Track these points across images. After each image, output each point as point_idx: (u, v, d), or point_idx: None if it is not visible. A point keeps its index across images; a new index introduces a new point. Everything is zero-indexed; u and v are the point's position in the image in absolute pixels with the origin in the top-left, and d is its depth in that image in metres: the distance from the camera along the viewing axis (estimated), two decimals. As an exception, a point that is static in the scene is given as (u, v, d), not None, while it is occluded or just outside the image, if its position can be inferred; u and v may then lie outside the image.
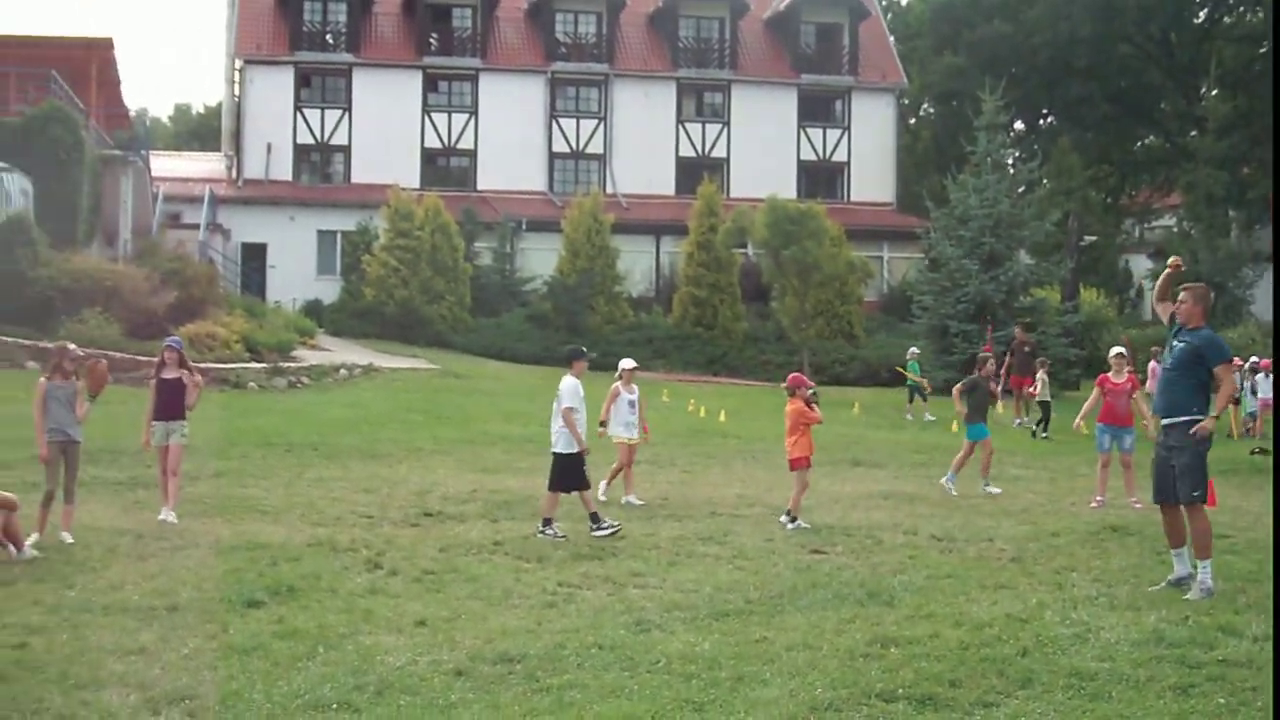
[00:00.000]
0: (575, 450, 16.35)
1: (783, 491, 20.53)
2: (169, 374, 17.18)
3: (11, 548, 13.66)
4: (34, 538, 13.99)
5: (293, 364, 40.33)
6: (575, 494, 16.31)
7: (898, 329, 54.71)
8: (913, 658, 10.24)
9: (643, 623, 11.32)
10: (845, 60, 69.44)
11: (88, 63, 48.94)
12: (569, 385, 16.63)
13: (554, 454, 16.48)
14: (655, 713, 8.84)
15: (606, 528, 15.94)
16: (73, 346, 15.51)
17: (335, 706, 8.84)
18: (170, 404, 16.89)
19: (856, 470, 24.69)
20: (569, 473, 16.28)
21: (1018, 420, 35.67)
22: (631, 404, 19.64)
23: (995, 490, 21.29)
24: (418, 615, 11.43)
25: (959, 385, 23.11)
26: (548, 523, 15.91)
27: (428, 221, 53.09)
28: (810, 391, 18.03)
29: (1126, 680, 9.77)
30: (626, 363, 20.56)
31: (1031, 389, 35.19)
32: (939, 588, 13.10)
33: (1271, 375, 33.90)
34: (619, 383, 20.18)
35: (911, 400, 39.03)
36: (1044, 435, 32.38)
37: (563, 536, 15.65)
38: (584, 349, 18.37)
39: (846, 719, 8.83)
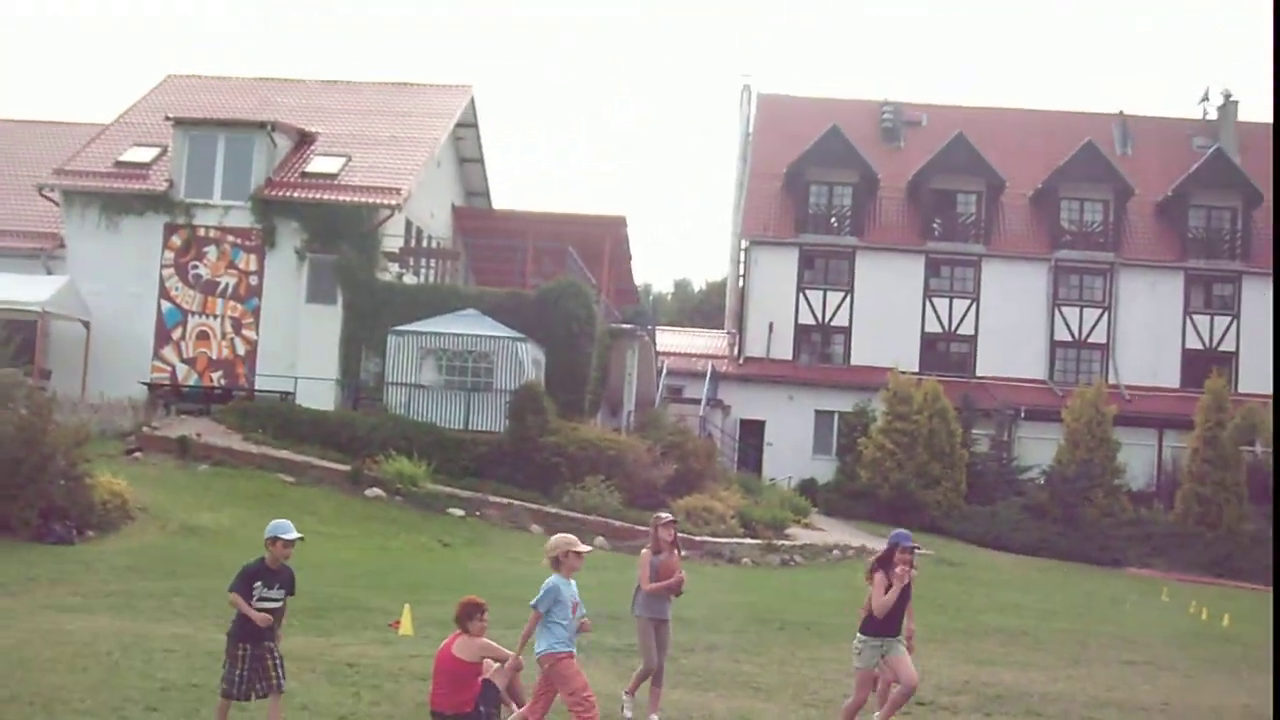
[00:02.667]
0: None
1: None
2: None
3: (514, 706, 13.98)
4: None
5: (786, 541, 40.56)
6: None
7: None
8: None
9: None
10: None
11: (601, 240, 50.75)
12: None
13: None
14: None
15: None
16: (667, 516, 15.57)
17: None
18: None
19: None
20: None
21: None
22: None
23: None
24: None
25: None
26: None
27: (926, 405, 53.03)
28: None
29: None
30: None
31: None
32: None
33: None
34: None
35: None
36: None
37: None
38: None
39: None
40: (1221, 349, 65.33)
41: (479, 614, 14.01)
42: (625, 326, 50.31)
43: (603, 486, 38.45)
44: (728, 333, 70.26)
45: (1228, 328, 65.69)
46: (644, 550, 14.57)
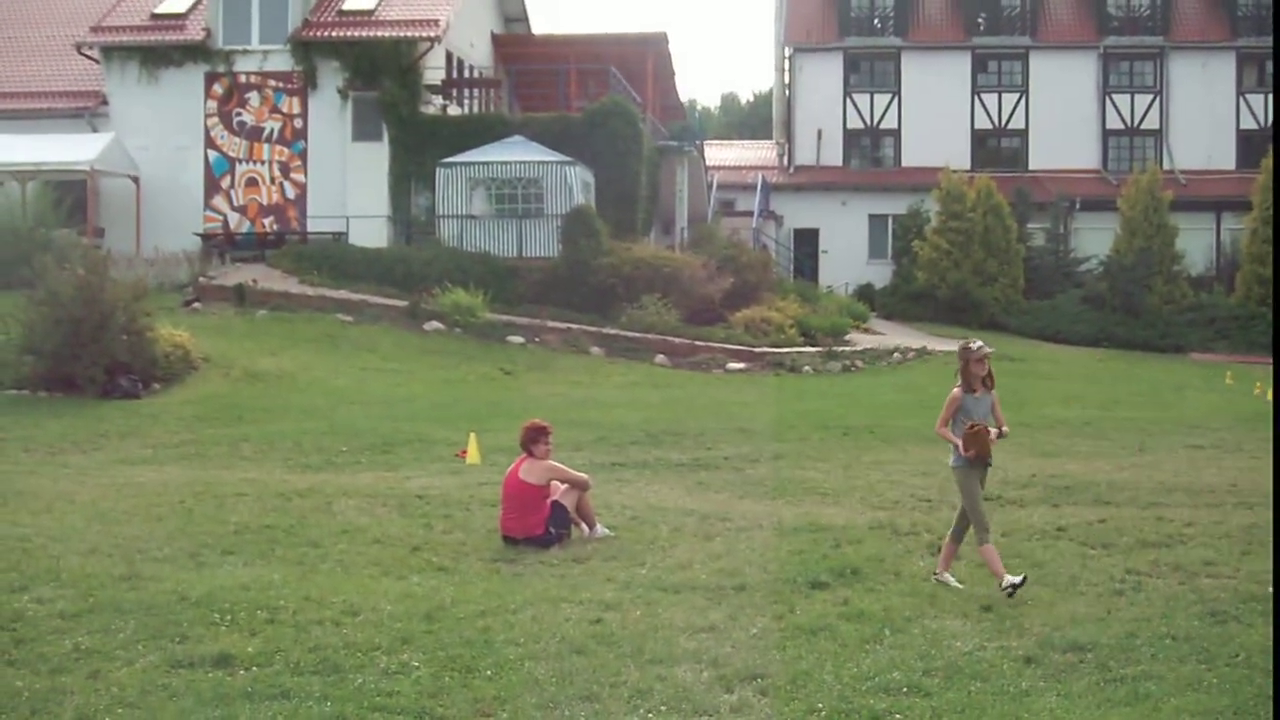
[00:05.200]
0: None
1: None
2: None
3: (585, 526, 14.14)
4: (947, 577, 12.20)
5: (846, 348, 40.64)
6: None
7: None
8: None
9: (1218, 614, 10.89)
10: None
11: (643, 58, 50.30)
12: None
13: None
14: (1236, 707, 8.51)
15: None
16: (979, 344, 12.21)
17: (905, 690, 8.81)
18: None
19: None
20: None
21: None
22: None
23: None
24: (983, 600, 11.30)
25: None
26: None
27: (979, 203, 52.75)
28: None
29: None
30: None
31: None
32: None
33: None
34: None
35: None
36: None
37: None
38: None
39: None
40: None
41: (544, 437, 14.14)
42: (673, 143, 50.00)
43: (659, 304, 38.51)
44: (776, 143, 69.82)
45: (1282, 104, 64.87)
46: (955, 390, 11.97)
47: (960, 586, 11.65)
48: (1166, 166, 61.45)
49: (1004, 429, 12.39)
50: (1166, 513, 15.96)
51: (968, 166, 60.52)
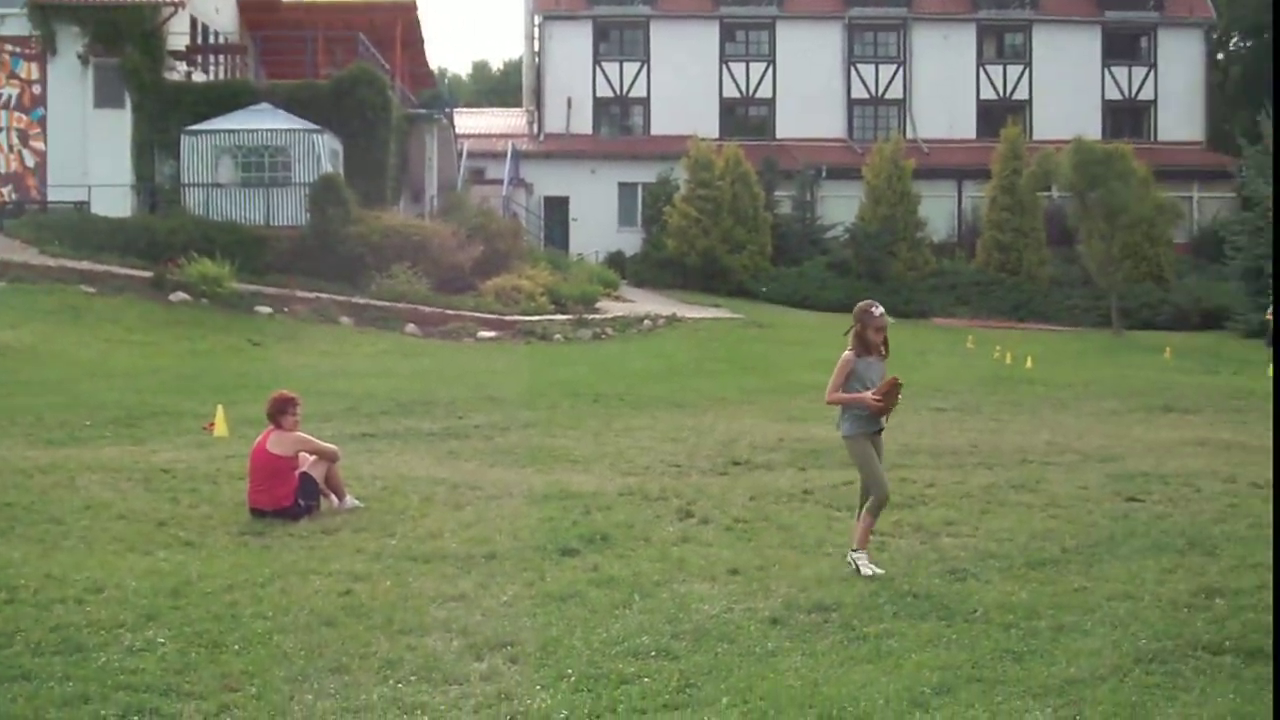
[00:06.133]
0: None
1: (1092, 439, 20.17)
2: None
3: (334, 497, 14.02)
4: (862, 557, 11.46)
5: (597, 315, 40.85)
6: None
7: (1209, 271, 53.30)
8: (1240, 609, 9.93)
9: (957, 571, 11.17)
10: (1151, -4, 67.69)
11: (392, 25, 49.95)
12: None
13: None
14: (974, 662, 8.72)
15: None
16: (879, 310, 11.64)
17: (654, 654, 8.87)
18: None
19: (1169, 416, 24.06)
20: None
21: None
22: None
23: None
24: (730, 563, 11.43)
25: None
26: None
27: (728, 171, 53.28)
28: None
29: None
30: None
31: None
32: (1263, 537, 12.64)
33: None
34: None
35: None
36: None
37: None
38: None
39: (1173, 671, 8.59)
40: (1015, 98, 66.26)
41: (291, 408, 13.97)
42: (422, 111, 49.77)
43: (409, 273, 38.34)
44: (527, 111, 69.74)
45: (1020, 76, 66.54)
46: (846, 353, 11.33)
47: (881, 572, 11.16)
48: (910, 136, 62.69)
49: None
50: (910, 474, 16.30)
51: (716, 135, 61.09)
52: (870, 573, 11.05)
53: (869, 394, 11.22)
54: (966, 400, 25.67)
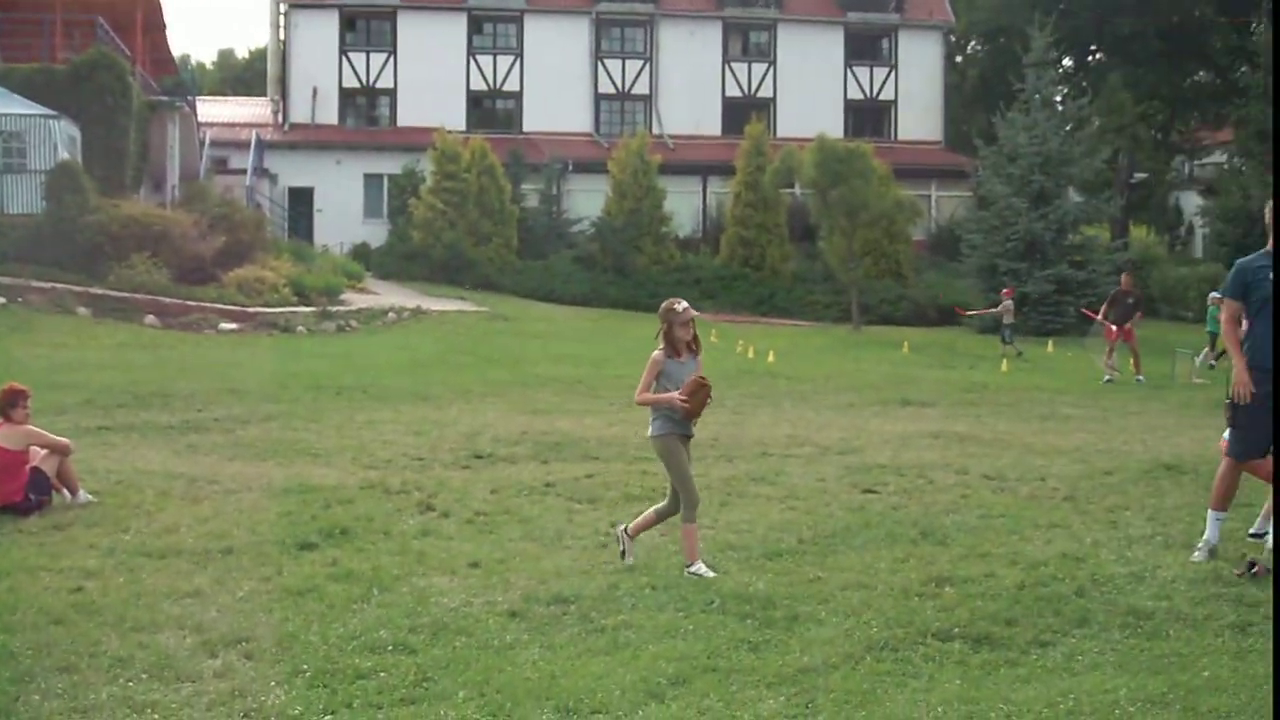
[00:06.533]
0: None
1: (831, 432, 20.52)
2: None
3: (66, 492, 13.71)
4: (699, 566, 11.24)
5: (341, 307, 40.46)
6: None
7: (946, 268, 54.55)
8: (968, 597, 10.20)
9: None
10: (892, -1, 69.04)
11: (133, 9, 48.83)
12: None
13: None
14: (711, 652, 8.83)
15: None
16: (684, 305, 11.48)
17: (391, 648, 8.83)
18: None
19: (906, 409, 24.57)
20: None
21: (1108, 377, 31.22)
22: None
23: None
24: (471, 557, 11.42)
25: None
26: None
27: (474, 164, 53.15)
28: None
29: (1184, 619, 9.72)
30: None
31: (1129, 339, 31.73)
32: (992, 527, 13.04)
33: None
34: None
35: (1212, 346, 34.13)
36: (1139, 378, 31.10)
37: None
38: None
39: (903, 658, 8.80)
40: (760, 95, 67.11)
41: (22, 401, 13.63)
42: (164, 99, 48.85)
43: (149, 263, 37.51)
44: (271, 100, 68.86)
45: (765, 74, 67.41)
46: (656, 353, 11.26)
47: (712, 575, 10.99)
48: (656, 131, 63.22)
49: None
50: (651, 467, 16.39)
51: (463, 127, 60.92)
52: (709, 574, 10.97)
53: (675, 395, 11.12)
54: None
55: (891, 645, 9.02)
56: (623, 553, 11.35)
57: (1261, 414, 11.18)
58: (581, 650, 8.91)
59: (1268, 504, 12.18)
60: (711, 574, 10.94)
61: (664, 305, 11.54)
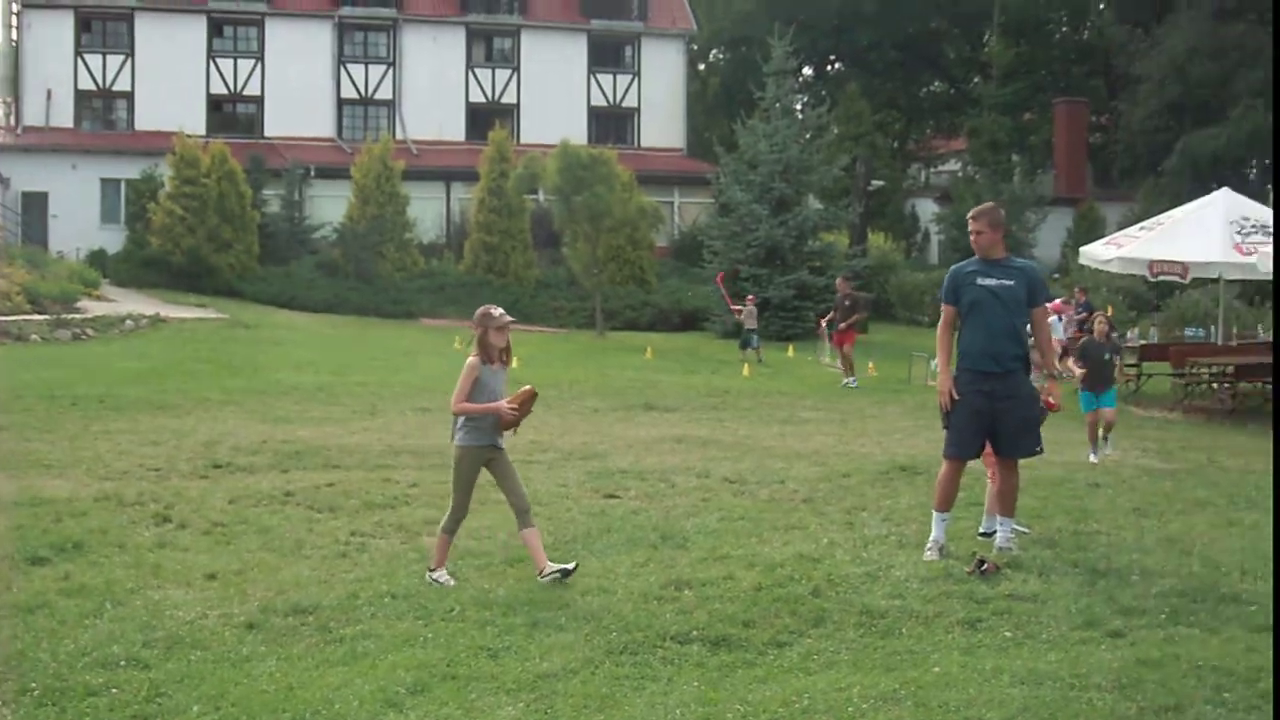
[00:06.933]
0: None
1: (575, 437, 20.62)
2: None
3: None
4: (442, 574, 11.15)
5: (77, 315, 39.53)
6: None
7: (689, 274, 54.99)
8: (707, 599, 10.34)
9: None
10: (635, 6, 69.35)
11: None
12: None
13: None
14: (450, 660, 8.83)
15: None
16: (499, 312, 11.38)
17: (124, 663, 8.67)
18: None
19: (649, 414, 24.79)
20: None
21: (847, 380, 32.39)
22: None
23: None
24: (208, 569, 11.26)
25: None
26: None
27: (214, 169, 52.24)
28: None
29: (916, 616, 9.97)
30: None
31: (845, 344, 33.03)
32: (732, 530, 13.22)
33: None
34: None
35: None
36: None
37: None
38: None
39: (642, 661, 8.89)
40: (504, 101, 67.03)
41: None
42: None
43: (-127, 270, 36.39)
44: (3, 102, 67.01)
45: (509, 81, 67.36)
46: (471, 359, 11.12)
47: (571, 567, 11.00)
48: (399, 136, 62.79)
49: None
50: (393, 474, 16.39)
51: (203, 132, 59.90)
52: (450, 582, 10.93)
53: (504, 403, 11.04)
54: (449, 401, 25.84)
55: (630, 649, 9.11)
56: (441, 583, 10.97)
57: (969, 415, 11.72)
58: (319, 661, 8.85)
59: (989, 503, 12.58)
60: (453, 582, 10.92)
61: (480, 311, 11.39)
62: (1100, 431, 19.37)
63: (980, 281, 11.68)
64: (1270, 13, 52.85)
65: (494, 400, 11.09)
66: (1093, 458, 18.89)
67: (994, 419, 11.68)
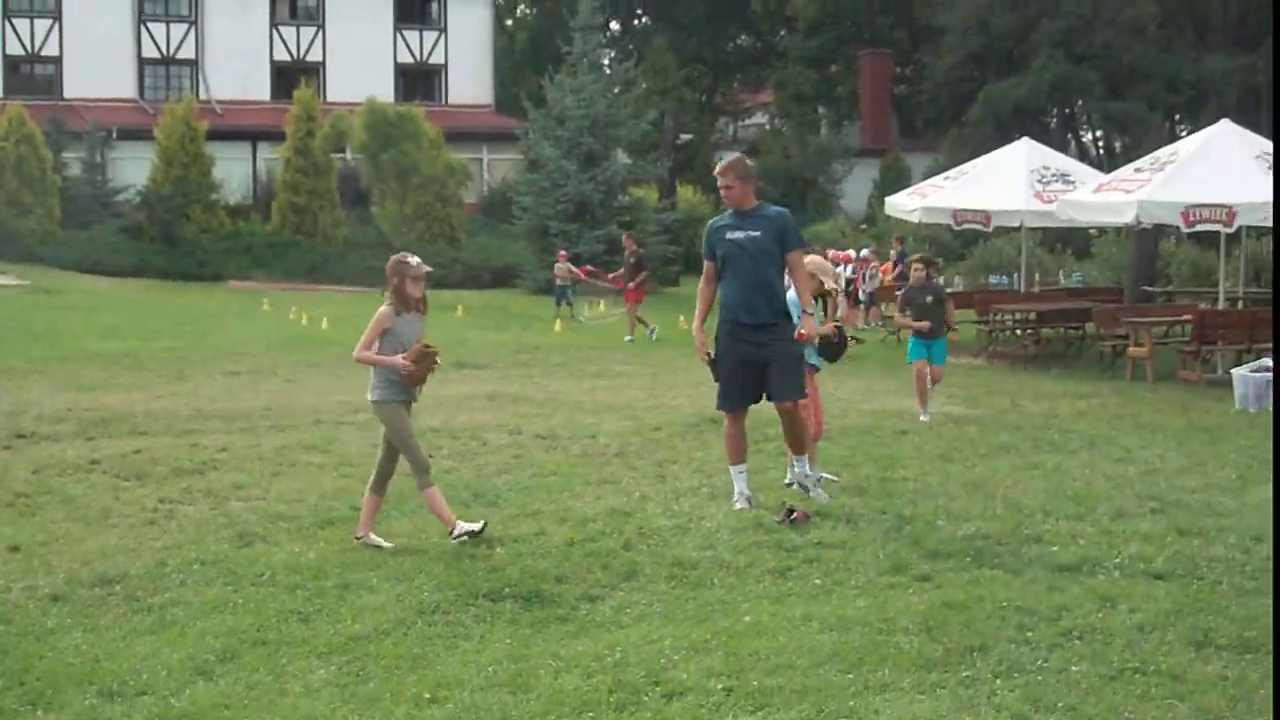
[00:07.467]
0: None
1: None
2: None
3: None
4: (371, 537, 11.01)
5: None
6: None
7: (499, 230, 54.85)
8: (519, 556, 10.39)
9: (246, 535, 11.19)
10: (440, -39, 68.95)
11: None
12: None
13: None
14: (260, 625, 8.79)
15: None
16: (416, 260, 11.17)
17: (-78, 642, 8.53)
18: None
19: (461, 372, 24.74)
20: None
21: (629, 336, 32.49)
22: None
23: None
24: (10, 541, 11.05)
25: None
26: None
27: (11, 132, 51.08)
28: None
29: (727, 567, 10.10)
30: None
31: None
32: (544, 486, 13.28)
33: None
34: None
35: None
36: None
37: None
38: None
39: (455, 620, 8.91)
40: (309, 59, 66.23)
41: None
42: None
43: None
44: None
45: (314, 38, 66.57)
46: (383, 308, 10.96)
47: (389, 546, 10.82)
48: (203, 96, 61.79)
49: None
50: (202, 439, 16.20)
51: (0, 94, 58.59)
52: (385, 544, 10.85)
53: (399, 358, 10.84)
54: (261, 363, 25.64)
55: (443, 608, 9.13)
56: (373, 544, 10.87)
57: (733, 367, 12.03)
58: (127, 631, 8.76)
59: (790, 454, 12.70)
60: (389, 545, 10.85)
61: (395, 259, 11.17)
62: (929, 384, 18.57)
63: (729, 235, 12.00)
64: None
65: (405, 350, 10.91)
66: (924, 417, 18.04)
67: (761, 368, 11.89)
